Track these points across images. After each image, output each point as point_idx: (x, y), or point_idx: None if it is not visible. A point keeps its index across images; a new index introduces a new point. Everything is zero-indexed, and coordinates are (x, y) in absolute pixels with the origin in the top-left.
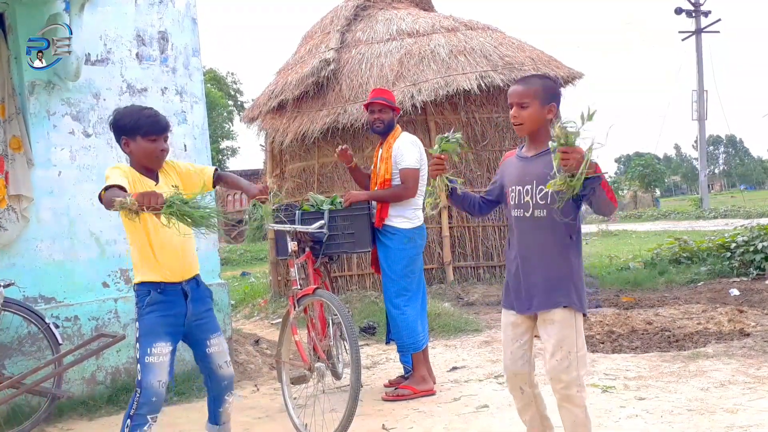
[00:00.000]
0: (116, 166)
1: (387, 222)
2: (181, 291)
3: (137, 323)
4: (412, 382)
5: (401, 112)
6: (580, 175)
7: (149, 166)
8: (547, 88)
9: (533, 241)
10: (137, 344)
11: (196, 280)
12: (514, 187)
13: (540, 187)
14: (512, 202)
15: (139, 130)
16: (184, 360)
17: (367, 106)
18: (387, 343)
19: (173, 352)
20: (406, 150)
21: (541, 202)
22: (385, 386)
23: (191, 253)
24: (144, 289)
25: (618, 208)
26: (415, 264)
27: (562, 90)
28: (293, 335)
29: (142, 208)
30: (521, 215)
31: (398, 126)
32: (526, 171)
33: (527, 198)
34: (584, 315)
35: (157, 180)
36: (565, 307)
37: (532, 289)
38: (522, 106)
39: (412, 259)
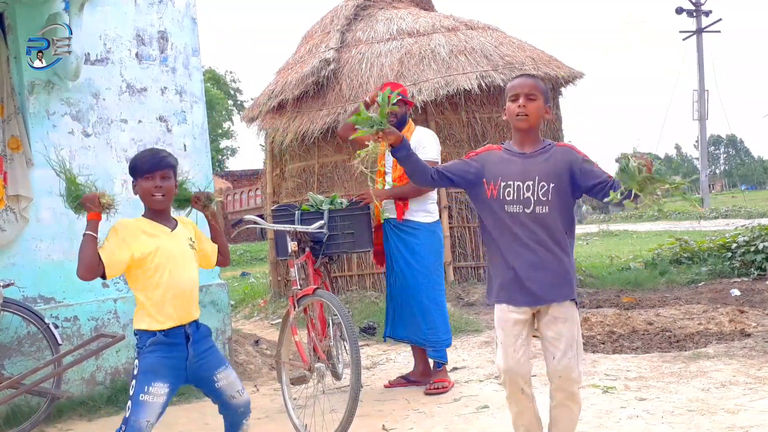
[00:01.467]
0: (117, 227)
1: (408, 217)
2: (184, 333)
3: (137, 360)
4: (443, 374)
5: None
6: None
7: (151, 207)
8: (548, 91)
9: (535, 237)
10: (134, 381)
11: (196, 322)
12: (511, 183)
13: (542, 184)
14: (507, 198)
15: (138, 171)
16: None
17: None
18: (394, 338)
19: (169, 395)
20: (428, 142)
21: (542, 198)
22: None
23: (195, 297)
24: (147, 333)
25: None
26: (441, 257)
27: (563, 90)
28: (293, 335)
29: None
30: (519, 211)
31: (410, 120)
32: (526, 167)
33: (528, 194)
34: None
35: (173, 227)
36: (573, 300)
37: (541, 283)
38: (530, 98)
39: (440, 252)
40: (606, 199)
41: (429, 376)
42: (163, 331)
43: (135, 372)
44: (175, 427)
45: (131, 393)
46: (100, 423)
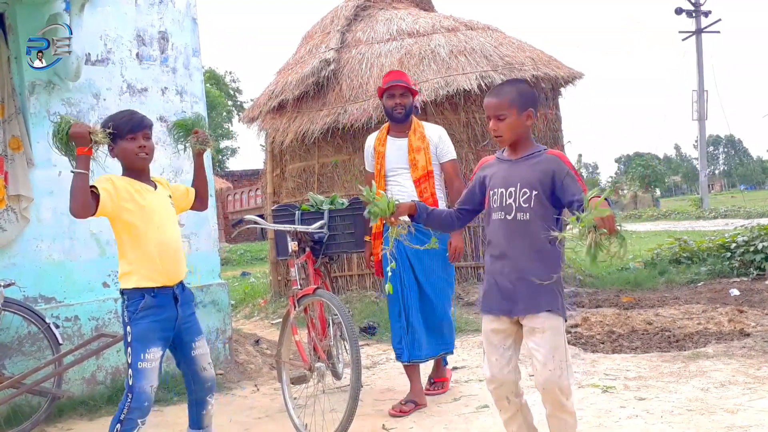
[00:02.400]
0: (106, 176)
1: None
2: (173, 295)
3: (129, 327)
4: (444, 372)
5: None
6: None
7: (135, 167)
8: (523, 94)
9: (516, 244)
10: (129, 348)
11: (182, 284)
12: (496, 190)
13: (524, 190)
14: (494, 205)
15: (120, 132)
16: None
17: (382, 91)
18: (418, 361)
19: (163, 356)
20: (449, 141)
21: (524, 205)
22: (392, 414)
23: (183, 257)
24: (137, 293)
25: (618, 208)
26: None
27: (562, 90)
28: (293, 335)
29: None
30: (502, 218)
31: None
32: (510, 173)
33: (510, 200)
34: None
35: (155, 186)
36: (549, 311)
37: (516, 292)
38: (499, 118)
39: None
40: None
41: (421, 396)
42: (153, 291)
43: (128, 339)
44: (175, 427)
45: (129, 361)
46: (101, 422)
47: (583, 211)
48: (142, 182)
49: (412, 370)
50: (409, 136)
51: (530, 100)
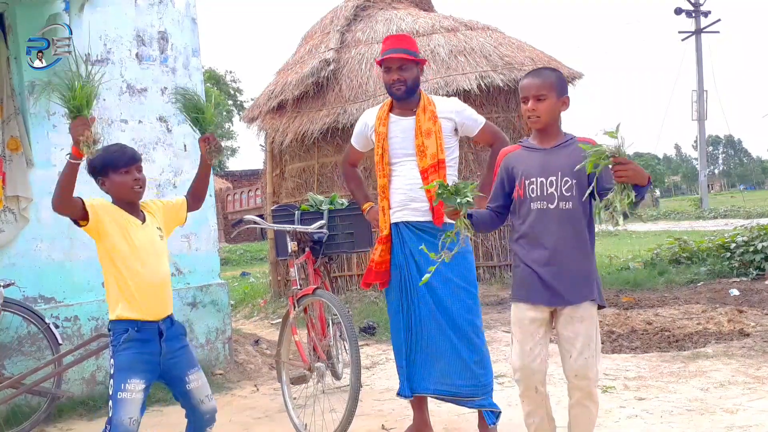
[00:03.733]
0: (100, 200)
1: (449, 220)
2: (157, 330)
3: (112, 360)
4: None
5: None
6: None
7: (128, 200)
8: (561, 80)
9: (560, 233)
10: (111, 380)
11: (170, 318)
12: (534, 179)
13: (565, 179)
14: (532, 195)
15: (113, 166)
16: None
17: (380, 63)
18: (426, 394)
19: (146, 390)
20: (470, 110)
21: (566, 194)
22: None
23: (169, 292)
24: (121, 326)
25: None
26: None
27: None
28: (293, 335)
29: (84, 135)
30: (544, 207)
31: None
32: (548, 162)
33: (552, 189)
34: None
35: (144, 220)
36: (592, 300)
37: (561, 282)
38: (539, 98)
39: (474, 265)
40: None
41: (425, 428)
42: (137, 324)
43: (111, 371)
44: (175, 428)
45: (110, 392)
46: (100, 423)
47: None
48: (132, 215)
49: (416, 399)
50: (417, 115)
51: (566, 88)
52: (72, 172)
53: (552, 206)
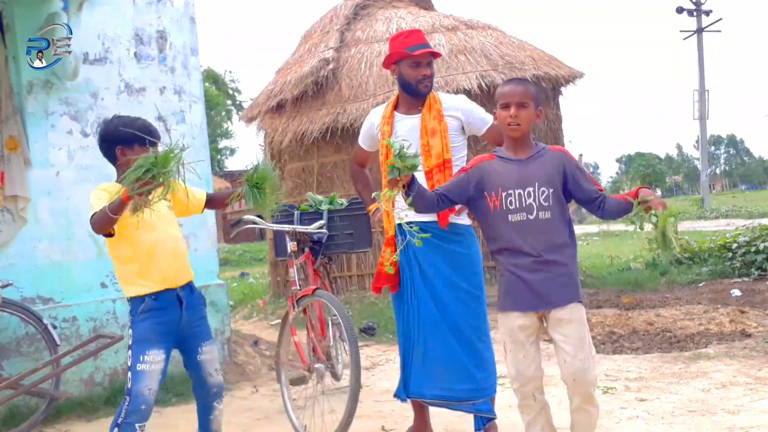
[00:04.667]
0: (102, 188)
1: (454, 220)
2: (176, 297)
3: (130, 330)
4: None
5: None
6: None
7: None
8: (539, 93)
9: (542, 242)
10: (129, 351)
11: (190, 286)
12: (512, 191)
13: (542, 189)
14: (511, 207)
15: (140, 139)
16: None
17: (400, 56)
18: (424, 400)
19: (166, 360)
20: (478, 108)
21: (545, 204)
22: None
23: (184, 258)
24: (138, 299)
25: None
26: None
27: (563, 89)
28: (292, 336)
29: (140, 196)
30: (523, 219)
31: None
32: (524, 173)
33: (530, 200)
34: None
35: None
36: (578, 302)
37: (547, 286)
38: (522, 105)
39: (481, 266)
40: (593, 210)
41: (425, 430)
42: (153, 294)
43: (130, 342)
44: (175, 428)
45: (129, 363)
46: (99, 424)
47: (604, 201)
48: None
49: (417, 404)
50: (422, 114)
51: (541, 101)
52: (120, 209)
53: (531, 217)
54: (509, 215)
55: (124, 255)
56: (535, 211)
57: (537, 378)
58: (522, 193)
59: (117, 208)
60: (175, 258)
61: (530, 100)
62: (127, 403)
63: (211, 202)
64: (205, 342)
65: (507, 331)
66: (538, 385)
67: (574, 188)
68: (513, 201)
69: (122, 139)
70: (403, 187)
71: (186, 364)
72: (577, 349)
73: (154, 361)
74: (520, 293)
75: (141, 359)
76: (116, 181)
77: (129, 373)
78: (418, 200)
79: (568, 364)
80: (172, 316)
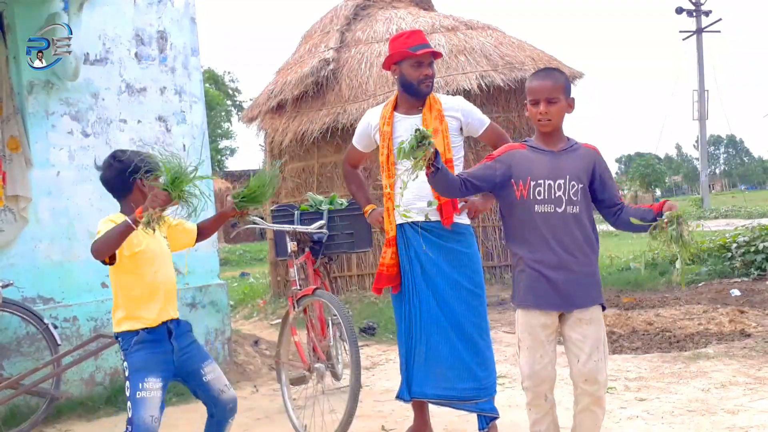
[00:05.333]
0: (109, 219)
1: (456, 219)
2: (166, 329)
3: (125, 363)
4: None
5: None
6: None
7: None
8: (568, 82)
9: (568, 237)
10: (128, 382)
11: (176, 319)
12: (542, 181)
13: (573, 183)
14: (538, 197)
15: (152, 172)
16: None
17: (401, 56)
18: (427, 399)
19: (164, 389)
20: (471, 107)
21: (574, 198)
22: None
23: (175, 297)
24: (129, 333)
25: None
26: None
27: None
28: (292, 336)
29: (155, 209)
30: (551, 211)
31: None
32: (556, 165)
33: (559, 193)
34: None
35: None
36: (600, 304)
37: (572, 285)
38: (551, 101)
39: (481, 265)
40: (607, 216)
41: (425, 430)
42: (146, 328)
43: (126, 374)
44: (176, 429)
45: (128, 394)
46: (100, 423)
47: (622, 210)
48: None
49: (417, 403)
50: (423, 115)
51: (571, 89)
52: (128, 232)
53: (560, 210)
54: (536, 206)
55: (123, 289)
56: (563, 205)
57: (551, 378)
58: (552, 184)
59: (127, 226)
60: (171, 297)
61: (560, 93)
62: None
63: (202, 232)
64: (204, 362)
65: (527, 329)
66: (551, 386)
67: (600, 189)
68: (541, 191)
69: (141, 173)
70: (429, 164)
71: (195, 391)
72: (593, 350)
73: (153, 388)
74: (544, 291)
75: (140, 387)
76: (121, 212)
77: (129, 403)
78: (442, 179)
79: (582, 363)
80: (164, 348)
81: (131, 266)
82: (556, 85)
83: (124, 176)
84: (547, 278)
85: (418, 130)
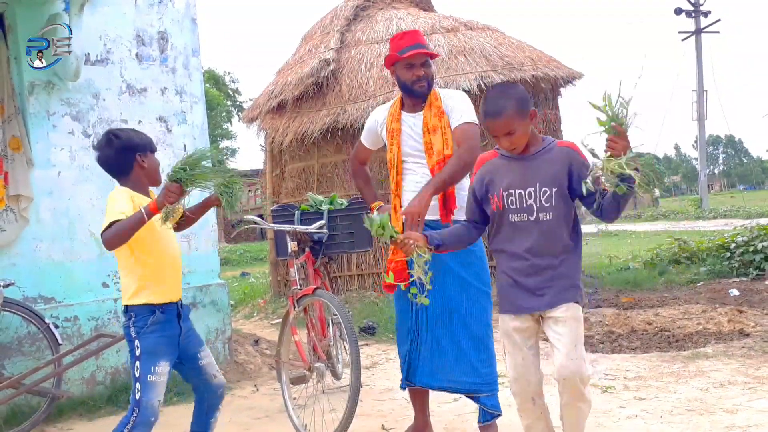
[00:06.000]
0: (120, 189)
1: (459, 216)
2: (176, 310)
3: (137, 341)
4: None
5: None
6: (624, 162)
7: (154, 182)
8: (520, 99)
9: (540, 244)
10: (137, 362)
11: (181, 301)
12: (513, 191)
13: (544, 189)
14: (511, 206)
15: (151, 146)
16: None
17: (395, 59)
18: (431, 388)
19: (170, 372)
20: (461, 101)
21: (546, 205)
22: None
23: (181, 274)
24: (145, 309)
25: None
26: None
27: (562, 90)
28: (293, 335)
29: (170, 204)
30: (524, 219)
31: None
32: (527, 173)
33: (530, 201)
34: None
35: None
36: (575, 302)
37: (543, 289)
38: (509, 134)
39: (486, 262)
40: (590, 207)
41: (426, 429)
42: (161, 306)
43: (137, 353)
44: (176, 428)
45: (137, 374)
46: (101, 423)
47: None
48: (148, 197)
49: (417, 395)
50: (424, 113)
51: (527, 100)
52: (141, 225)
53: (532, 218)
54: (510, 215)
55: (138, 262)
56: (535, 213)
57: (535, 382)
58: (523, 193)
59: (142, 219)
60: (179, 274)
61: (515, 122)
62: (135, 414)
63: (186, 220)
64: (201, 347)
65: (505, 334)
66: (536, 389)
67: (578, 186)
68: (513, 201)
69: (140, 148)
70: (427, 248)
71: (187, 375)
72: (570, 348)
73: (163, 372)
74: (515, 296)
75: (152, 370)
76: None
77: (137, 384)
78: (451, 244)
79: (559, 362)
80: (174, 330)
81: (147, 239)
82: (507, 120)
83: (123, 154)
84: (519, 284)
85: (376, 225)
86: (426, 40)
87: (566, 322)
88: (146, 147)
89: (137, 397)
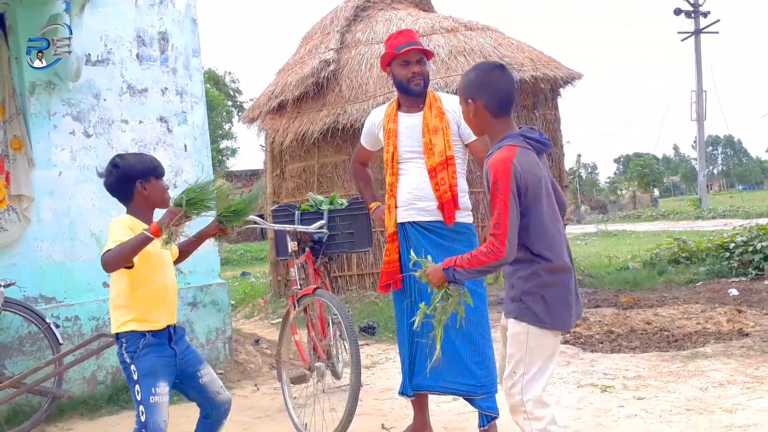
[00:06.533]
0: (119, 218)
1: (461, 219)
2: (168, 334)
3: (133, 366)
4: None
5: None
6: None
7: (160, 205)
8: (463, 91)
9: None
10: (137, 386)
11: (174, 325)
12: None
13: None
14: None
15: (154, 171)
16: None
17: (391, 57)
18: (433, 392)
19: (170, 392)
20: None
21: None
22: None
23: (176, 300)
24: (136, 334)
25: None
26: None
27: (561, 90)
28: (293, 335)
29: (171, 227)
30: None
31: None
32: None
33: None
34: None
35: None
36: (515, 318)
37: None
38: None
39: None
40: None
41: (425, 428)
42: (152, 331)
43: (135, 377)
44: (176, 428)
45: (139, 398)
46: (101, 422)
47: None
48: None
49: (416, 395)
50: (423, 113)
51: (468, 87)
52: (143, 247)
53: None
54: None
55: (131, 290)
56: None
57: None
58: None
59: (144, 240)
60: (174, 302)
61: (464, 115)
62: None
63: (182, 253)
64: (200, 366)
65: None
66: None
67: None
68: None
69: (141, 174)
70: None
71: (189, 393)
72: (510, 371)
73: (164, 392)
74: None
75: (153, 391)
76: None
77: (141, 407)
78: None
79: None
80: (168, 352)
81: (143, 268)
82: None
83: (124, 182)
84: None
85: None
86: (420, 39)
87: (508, 340)
88: (148, 173)
89: (143, 419)
